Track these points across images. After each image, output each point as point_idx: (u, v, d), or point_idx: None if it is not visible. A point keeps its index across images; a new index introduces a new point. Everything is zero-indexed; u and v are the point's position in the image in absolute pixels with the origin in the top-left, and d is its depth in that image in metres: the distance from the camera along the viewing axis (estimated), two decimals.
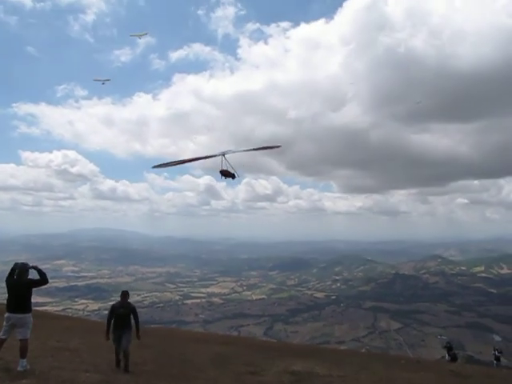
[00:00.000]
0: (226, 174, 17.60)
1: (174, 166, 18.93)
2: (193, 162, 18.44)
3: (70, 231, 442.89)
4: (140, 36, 48.80)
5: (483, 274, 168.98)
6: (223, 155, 17.21)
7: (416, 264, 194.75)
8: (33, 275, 10.11)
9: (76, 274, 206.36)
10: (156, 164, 18.43)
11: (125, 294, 11.91)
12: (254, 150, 18.44)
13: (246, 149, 17.84)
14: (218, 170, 17.51)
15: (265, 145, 18.25)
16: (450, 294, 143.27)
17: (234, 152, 17.60)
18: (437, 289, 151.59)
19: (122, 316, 11.48)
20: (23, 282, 9.86)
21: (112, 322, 11.49)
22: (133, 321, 11.58)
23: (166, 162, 18.34)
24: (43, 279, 10.23)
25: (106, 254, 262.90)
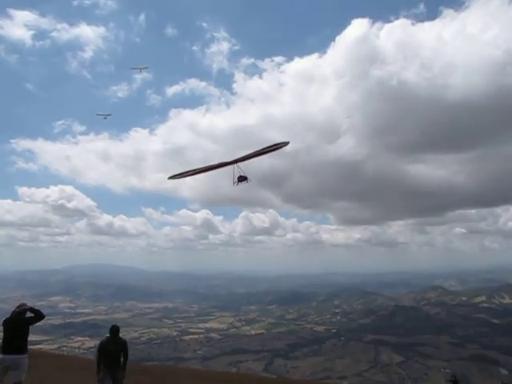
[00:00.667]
0: (241, 179, 18.72)
1: (190, 176, 20.40)
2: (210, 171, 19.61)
3: (67, 267, 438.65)
4: (141, 69, 49.92)
5: (485, 305, 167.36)
6: (235, 163, 18.40)
7: (416, 295, 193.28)
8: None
9: (72, 311, 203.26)
10: (171, 175, 19.88)
11: (115, 331, 11.25)
12: (263, 151, 18.86)
13: (254, 152, 18.95)
14: (232, 181, 18.58)
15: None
16: (452, 326, 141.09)
17: (244, 158, 18.63)
18: (438, 320, 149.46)
19: (113, 353, 10.81)
20: (21, 319, 9.74)
21: (102, 360, 10.75)
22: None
23: (181, 172, 19.66)
24: (39, 315, 10.10)
25: (103, 289, 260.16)
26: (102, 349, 10.84)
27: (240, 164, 18.79)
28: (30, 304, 10.36)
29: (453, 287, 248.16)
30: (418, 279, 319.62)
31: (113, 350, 10.76)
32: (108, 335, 11.13)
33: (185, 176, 20.02)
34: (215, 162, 19.50)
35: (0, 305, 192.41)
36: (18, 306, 10.05)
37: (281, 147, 18.89)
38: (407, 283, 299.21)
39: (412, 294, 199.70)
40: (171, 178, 20.00)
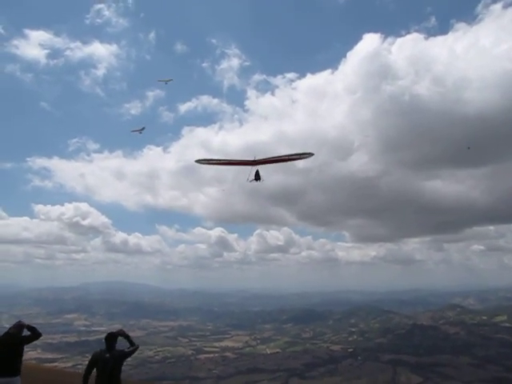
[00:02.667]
0: (257, 178, 20.74)
1: (216, 165, 22.61)
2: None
3: (82, 284, 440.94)
4: (166, 81, 50.81)
5: (506, 324, 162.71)
6: (255, 164, 20.35)
7: (434, 314, 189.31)
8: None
9: (87, 329, 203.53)
10: (198, 159, 22.05)
11: (110, 338, 9.37)
12: (284, 157, 20.76)
13: (275, 157, 21.01)
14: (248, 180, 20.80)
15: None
16: (472, 346, 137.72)
17: (264, 161, 20.67)
18: (458, 340, 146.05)
19: (107, 368, 8.93)
20: (16, 337, 9.33)
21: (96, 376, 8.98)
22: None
23: (207, 159, 22.22)
24: (36, 333, 9.68)
25: (118, 307, 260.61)
26: (94, 362, 9.17)
27: (259, 166, 20.60)
28: (26, 321, 9.94)
29: (472, 306, 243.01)
30: (436, 297, 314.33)
31: (106, 363, 8.95)
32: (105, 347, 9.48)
33: (210, 163, 22.13)
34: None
35: (14, 321, 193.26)
36: (15, 326, 9.62)
37: (305, 157, 20.30)
38: (424, 301, 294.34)
39: (430, 312, 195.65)
40: (198, 161, 21.99)
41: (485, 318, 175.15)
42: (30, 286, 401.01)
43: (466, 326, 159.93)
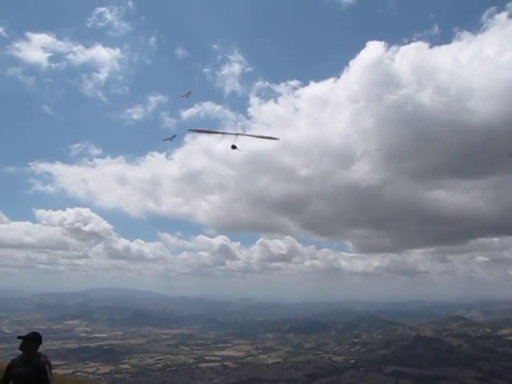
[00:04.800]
0: (234, 147, 24.56)
1: (209, 134, 27.71)
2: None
3: (84, 290, 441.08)
4: (187, 95, 50.68)
5: (511, 338, 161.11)
6: (238, 135, 24.35)
7: (437, 326, 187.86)
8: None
9: (88, 335, 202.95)
10: (192, 128, 26.86)
11: (27, 343, 7.69)
12: (257, 135, 26.32)
13: (252, 134, 26.37)
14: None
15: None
16: (476, 359, 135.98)
17: (244, 134, 25.32)
18: (461, 353, 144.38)
19: (20, 379, 7.47)
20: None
21: None
22: None
23: (201, 129, 26.59)
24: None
25: (120, 314, 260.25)
26: (8, 371, 7.72)
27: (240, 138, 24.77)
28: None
29: (476, 318, 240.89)
30: (439, 309, 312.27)
31: (21, 374, 7.47)
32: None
33: (203, 132, 27.00)
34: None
35: (16, 327, 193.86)
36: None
37: (272, 139, 27.63)
38: (428, 313, 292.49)
39: (433, 324, 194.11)
40: (191, 130, 27.14)
41: (489, 330, 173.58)
42: (32, 291, 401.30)
43: (470, 339, 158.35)
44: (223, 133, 25.88)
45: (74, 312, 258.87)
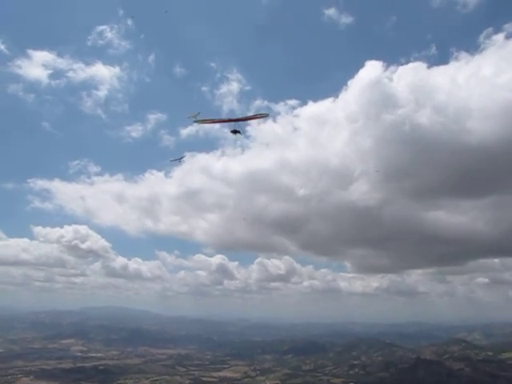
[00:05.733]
0: (235, 132, 29.89)
1: (209, 123, 32.10)
2: None
3: (81, 309, 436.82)
4: (195, 116, 51.15)
5: None
6: (237, 121, 29.36)
7: (438, 348, 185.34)
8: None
9: (84, 355, 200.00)
10: (197, 119, 30.41)
11: None
12: (249, 117, 30.79)
13: (244, 117, 30.87)
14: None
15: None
16: (478, 383, 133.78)
17: (240, 119, 30.92)
18: (463, 376, 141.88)
19: None
20: None
21: None
22: None
23: (206, 119, 30.27)
24: None
25: (116, 333, 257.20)
26: None
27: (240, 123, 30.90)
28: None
29: (477, 341, 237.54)
30: (440, 331, 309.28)
31: None
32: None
33: (206, 122, 31.12)
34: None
35: (9, 346, 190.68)
36: None
37: (261, 117, 32.72)
38: (428, 335, 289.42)
39: (434, 346, 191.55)
40: (196, 121, 30.17)
41: (491, 354, 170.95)
42: (28, 308, 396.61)
43: (472, 362, 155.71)
44: (226, 120, 29.76)
45: (70, 331, 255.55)
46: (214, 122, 30.64)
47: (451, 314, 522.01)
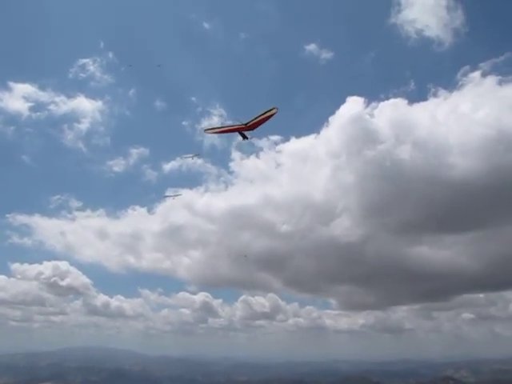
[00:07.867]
0: (244, 137, 30.21)
1: (221, 133, 30.94)
2: None
3: (60, 349, 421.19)
4: (193, 157, 51.53)
5: None
6: (247, 127, 29.48)
7: None
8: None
9: None
10: (206, 128, 31.90)
11: None
12: (261, 117, 30.81)
13: (257, 119, 30.52)
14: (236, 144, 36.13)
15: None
16: None
17: (251, 124, 31.05)
18: None
19: None
20: None
21: None
22: None
23: (215, 127, 30.92)
24: None
25: (96, 375, 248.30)
26: None
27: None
28: None
29: (465, 378, 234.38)
30: (427, 369, 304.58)
31: None
32: None
33: (216, 132, 30.49)
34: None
35: None
36: None
37: (271, 115, 31.00)
38: (415, 373, 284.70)
39: None
40: (206, 130, 30.87)
41: None
42: (2, 351, 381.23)
43: None
44: (234, 127, 30.16)
45: (46, 373, 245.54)
46: (223, 130, 30.08)
47: (438, 351, 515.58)
